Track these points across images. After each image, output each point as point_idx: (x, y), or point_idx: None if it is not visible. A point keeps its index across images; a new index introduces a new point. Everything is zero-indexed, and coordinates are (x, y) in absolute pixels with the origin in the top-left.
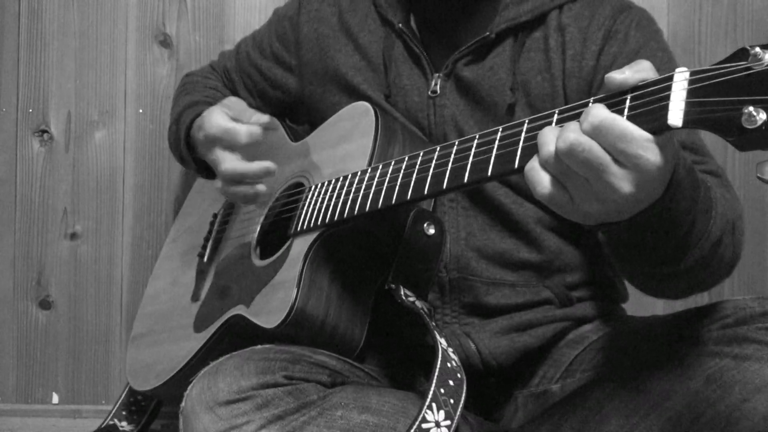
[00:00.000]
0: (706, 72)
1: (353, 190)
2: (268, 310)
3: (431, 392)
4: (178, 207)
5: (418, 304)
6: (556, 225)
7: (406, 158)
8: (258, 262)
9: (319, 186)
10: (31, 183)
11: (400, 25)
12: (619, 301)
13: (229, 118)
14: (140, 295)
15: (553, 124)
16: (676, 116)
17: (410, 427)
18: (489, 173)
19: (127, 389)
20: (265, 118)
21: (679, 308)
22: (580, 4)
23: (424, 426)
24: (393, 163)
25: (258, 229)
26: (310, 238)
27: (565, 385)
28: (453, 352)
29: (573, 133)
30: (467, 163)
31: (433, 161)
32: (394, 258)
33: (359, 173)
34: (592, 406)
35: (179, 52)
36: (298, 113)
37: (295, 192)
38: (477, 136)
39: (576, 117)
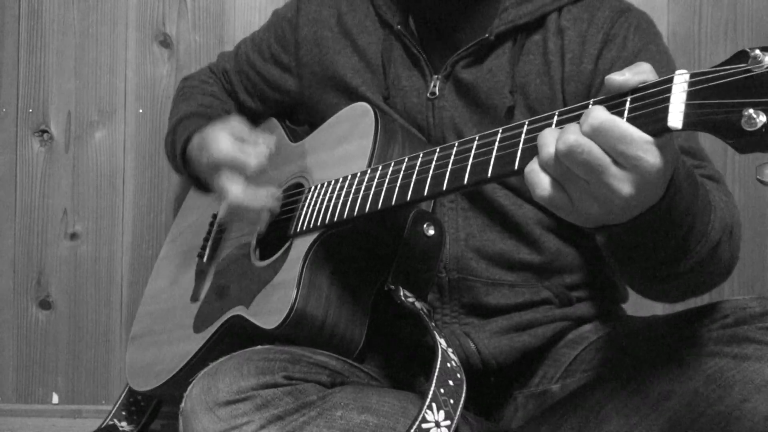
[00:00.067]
0: (706, 74)
1: (353, 191)
2: (268, 310)
3: (431, 392)
4: (178, 207)
5: (418, 304)
6: (555, 226)
7: (406, 159)
8: (258, 263)
9: (318, 187)
10: (31, 183)
11: (399, 26)
12: (619, 301)
13: (236, 144)
14: (140, 295)
15: (553, 125)
16: (676, 118)
17: (410, 427)
18: (489, 175)
19: (126, 389)
20: (272, 141)
21: (679, 308)
22: (579, 6)
23: (424, 426)
24: (392, 164)
25: (257, 229)
26: (310, 238)
27: (565, 385)
28: (453, 353)
29: (573, 135)
30: (467, 164)
31: (433, 162)
32: (394, 259)
33: (359, 174)
34: (592, 406)
35: (179, 52)
36: (297, 114)
37: (295, 193)
38: (477, 138)
39: (576, 119)
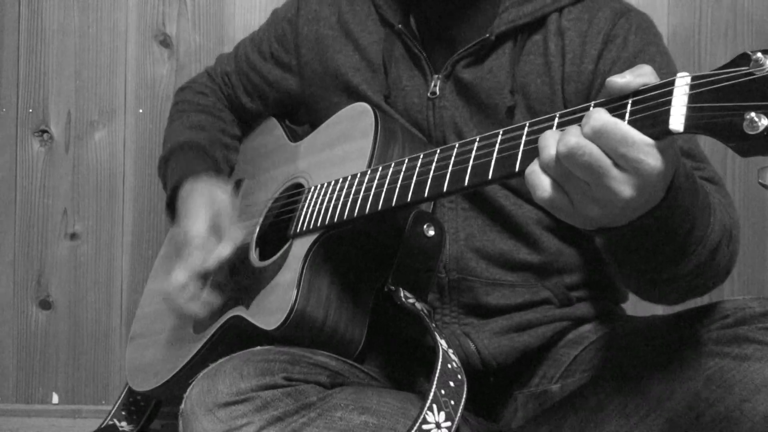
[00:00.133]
0: (708, 77)
1: (353, 191)
2: (268, 311)
3: (432, 393)
4: None
5: (418, 305)
6: (555, 226)
7: (406, 160)
8: (257, 263)
9: (318, 187)
10: (31, 183)
11: (400, 25)
12: (619, 301)
13: (210, 229)
14: (140, 295)
15: (554, 127)
16: (677, 121)
17: (410, 428)
18: (490, 176)
19: (126, 389)
20: (227, 252)
21: (679, 308)
22: (579, 7)
23: (425, 427)
24: (393, 165)
25: (257, 229)
26: (310, 239)
27: (565, 385)
28: (453, 353)
29: (574, 137)
30: (468, 166)
31: (434, 164)
32: (394, 259)
33: (359, 175)
34: (592, 407)
35: (179, 52)
36: (298, 114)
37: (295, 193)
38: (477, 139)
39: (577, 121)
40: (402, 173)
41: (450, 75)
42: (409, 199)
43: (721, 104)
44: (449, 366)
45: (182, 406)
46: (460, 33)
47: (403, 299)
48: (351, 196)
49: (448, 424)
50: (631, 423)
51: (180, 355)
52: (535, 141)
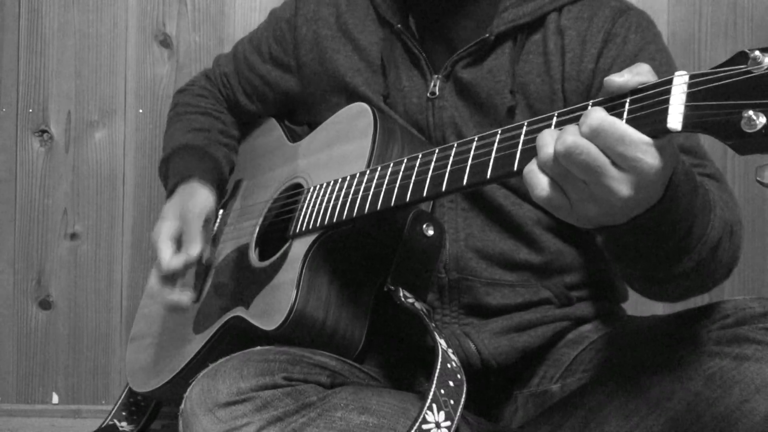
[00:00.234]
0: (706, 75)
1: (352, 191)
2: (268, 311)
3: (431, 393)
4: None
5: (418, 305)
6: (555, 226)
7: (405, 160)
8: (257, 264)
9: (318, 187)
10: (31, 183)
11: (399, 25)
12: (619, 301)
13: (172, 236)
14: (140, 295)
15: (552, 126)
16: (675, 120)
17: (410, 428)
18: (488, 176)
19: (126, 389)
20: (195, 252)
21: (679, 308)
22: (579, 6)
23: (425, 427)
24: (392, 164)
25: (257, 230)
26: (310, 239)
27: (565, 385)
28: (453, 353)
29: (572, 136)
30: (466, 165)
31: (432, 163)
32: (394, 259)
33: (358, 175)
34: (592, 407)
35: (179, 52)
36: (297, 114)
37: (294, 193)
38: (476, 139)
39: (575, 120)
40: (401, 173)
41: (449, 75)
42: (408, 199)
43: (718, 102)
44: (449, 365)
45: (182, 406)
46: (459, 33)
47: (403, 299)
48: (350, 196)
49: (448, 423)
50: (631, 423)
51: (180, 356)
52: (534, 140)
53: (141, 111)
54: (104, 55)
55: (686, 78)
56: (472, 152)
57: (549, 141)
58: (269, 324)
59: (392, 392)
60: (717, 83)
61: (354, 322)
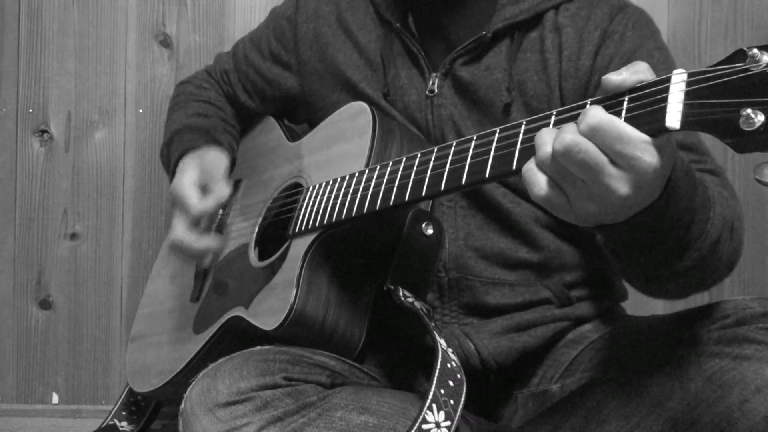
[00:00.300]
0: (704, 74)
1: (351, 191)
2: (267, 311)
3: (431, 393)
4: None
5: (417, 304)
6: (554, 224)
7: (404, 159)
8: (256, 263)
9: (317, 187)
10: (31, 183)
11: (398, 24)
12: (619, 300)
13: (192, 187)
14: (140, 295)
15: (551, 125)
16: (673, 118)
17: (410, 428)
18: (487, 175)
19: (126, 389)
20: (225, 193)
21: (679, 308)
22: (576, 4)
23: (425, 427)
24: (391, 164)
25: (256, 229)
26: (309, 239)
27: (565, 385)
28: (453, 353)
29: (570, 134)
30: (465, 164)
31: (431, 162)
32: (393, 259)
33: (357, 174)
34: (592, 407)
35: (179, 52)
36: (297, 112)
37: (293, 193)
38: (474, 138)
39: (573, 118)
40: (400, 172)
41: (448, 73)
42: (407, 198)
43: (717, 101)
44: (448, 365)
45: (182, 406)
46: (457, 31)
47: (402, 298)
48: (349, 196)
49: (448, 423)
50: (631, 423)
51: (180, 356)
52: (532, 139)
53: (141, 111)
54: (104, 55)
55: (684, 76)
56: (470, 151)
57: (547, 140)
58: (269, 324)
59: (392, 392)
60: (715, 81)
61: (354, 322)
